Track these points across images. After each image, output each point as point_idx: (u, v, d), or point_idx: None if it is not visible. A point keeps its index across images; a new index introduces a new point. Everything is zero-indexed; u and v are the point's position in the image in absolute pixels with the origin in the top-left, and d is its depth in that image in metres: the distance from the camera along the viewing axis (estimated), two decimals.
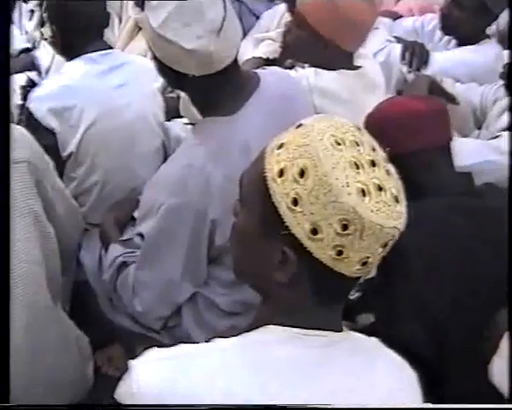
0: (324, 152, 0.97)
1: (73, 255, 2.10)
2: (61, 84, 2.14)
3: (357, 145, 1.00)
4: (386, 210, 0.97)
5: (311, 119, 1.04)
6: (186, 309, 1.80)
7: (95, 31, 2.22)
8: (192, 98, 1.74)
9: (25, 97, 2.73)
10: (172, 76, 1.68)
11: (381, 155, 1.03)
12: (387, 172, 1.02)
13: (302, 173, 0.97)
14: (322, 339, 1.05)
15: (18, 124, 2.58)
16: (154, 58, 1.70)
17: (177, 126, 2.40)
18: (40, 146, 1.81)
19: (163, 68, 1.69)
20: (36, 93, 2.16)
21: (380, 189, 0.98)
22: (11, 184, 1.69)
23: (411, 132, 1.68)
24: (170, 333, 1.83)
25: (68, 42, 2.22)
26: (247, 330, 1.10)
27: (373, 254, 0.99)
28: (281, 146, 1.01)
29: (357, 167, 0.97)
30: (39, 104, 2.10)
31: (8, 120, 1.56)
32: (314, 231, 0.97)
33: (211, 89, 1.66)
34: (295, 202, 0.97)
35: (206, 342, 1.10)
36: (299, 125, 1.03)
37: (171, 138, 2.33)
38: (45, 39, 3.02)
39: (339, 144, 0.98)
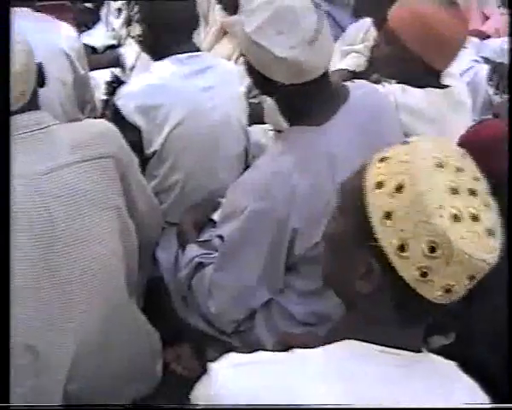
0: (424, 172, 0.98)
1: (150, 252, 2.14)
2: (149, 83, 2.19)
3: (459, 171, 1.00)
4: (478, 241, 0.96)
5: (419, 137, 1.05)
6: (259, 315, 1.81)
7: (184, 32, 2.26)
8: (280, 106, 1.75)
9: (109, 93, 2.81)
10: (262, 82, 1.70)
11: (483, 186, 1.02)
12: (487, 204, 1.01)
13: (399, 189, 0.98)
14: (401, 358, 1.05)
15: (101, 118, 2.67)
16: (246, 63, 1.72)
17: (258, 132, 2.43)
18: (126, 142, 1.86)
19: (254, 73, 1.71)
20: (124, 90, 2.21)
21: (475, 219, 0.97)
22: (96, 177, 1.75)
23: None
24: (240, 337, 1.85)
25: (158, 42, 2.27)
26: (327, 341, 1.10)
27: (458, 283, 0.99)
28: (383, 159, 1.03)
29: (455, 193, 0.97)
30: (127, 101, 2.15)
31: (8, 121, 1.60)
32: (402, 248, 0.97)
33: (300, 98, 1.68)
34: (388, 215, 0.98)
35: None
36: (405, 142, 1.04)
37: (250, 143, 2.36)
38: (132, 37, 3.10)
39: (440, 167, 0.99)
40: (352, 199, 1.05)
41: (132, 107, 2.12)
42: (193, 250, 1.90)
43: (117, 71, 3.16)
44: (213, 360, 1.84)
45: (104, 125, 1.85)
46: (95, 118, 2.66)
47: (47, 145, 1.74)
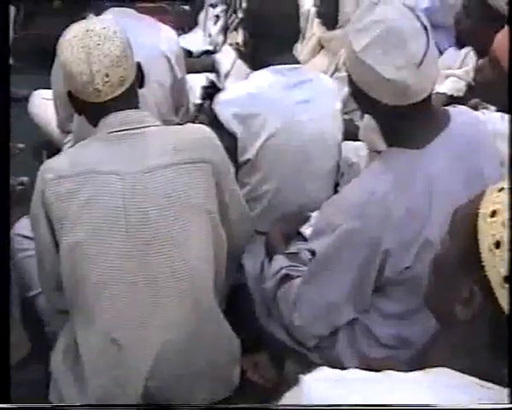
0: None
1: (237, 258, 2.17)
2: (247, 92, 2.22)
3: None
4: None
5: None
6: (342, 333, 1.81)
7: (286, 44, 2.29)
8: (381, 125, 1.75)
9: (204, 97, 2.87)
10: (365, 100, 1.70)
11: None
12: None
13: None
14: (498, 394, 1.04)
15: (193, 122, 2.73)
16: (349, 80, 1.73)
17: (348, 149, 2.44)
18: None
19: (356, 91, 1.72)
20: (222, 96, 2.26)
21: None
22: (193, 181, 1.79)
23: None
24: (320, 353, 1.85)
25: (258, 51, 2.30)
26: (413, 367, 1.10)
27: None
28: (501, 189, 1.03)
29: None
30: (225, 108, 2.19)
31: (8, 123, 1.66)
32: (507, 280, 0.97)
33: (402, 119, 1.67)
34: (498, 244, 0.99)
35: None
36: None
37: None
38: (230, 44, 3.16)
39: None
40: (464, 224, 1.06)
41: (230, 114, 2.17)
42: (280, 261, 1.92)
43: (212, 76, 3.23)
44: (291, 371, 1.86)
45: (204, 130, 1.89)
46: (192, 122, 2.72)
47: (146, 145, 1.79)
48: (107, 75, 1.75)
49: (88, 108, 1.83)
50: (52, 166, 1.80)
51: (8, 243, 1.58)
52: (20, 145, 3.52)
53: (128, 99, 1.81)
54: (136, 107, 1.84)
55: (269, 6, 2.29)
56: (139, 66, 1.86)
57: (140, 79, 1.87)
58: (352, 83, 1.72)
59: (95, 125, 1.84)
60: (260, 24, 2.28)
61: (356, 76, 1.69)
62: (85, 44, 1.75)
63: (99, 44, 1.75)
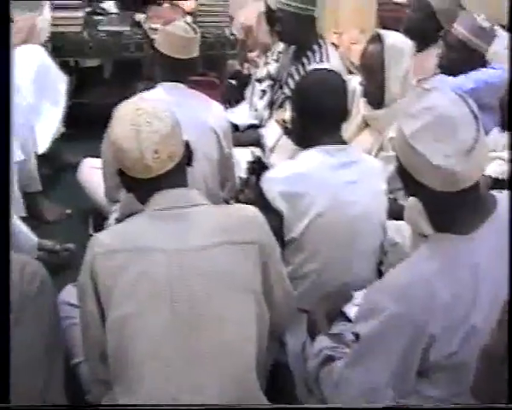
0: None
1: (279, 337, 2.17)
2: (295, 171, 2.27)
3: None
4: None
5: None
6: None
7: (334, 123, 2.33)
8: (428, 210, 1.76)
9: (250, 172, 2.91)
10: (412, 184, 1.72)
11: None
12: None
13: None
14: None
15: (238, 198, 2.77)
16: (398, 163, 1.75)
17: (392, 229, 2.44)
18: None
19: (404, 175, 1.73)
20: (270, 174, 2.30)
21: None
22: (240, 261, 1.81)
23: None
24: None
25: (306, 130, 2.35)
26: None
27: None
28: None
29: None
30: (272, 186, 2.23)
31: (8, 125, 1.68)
32: None
33: (449, 205, 1.69)
34: None
35: None
36: None
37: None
38: (276, 121, 3.22)
39: None
40: None
41: (276, 191, 2.20)
42: (323, 342, 1.92)
43: (257, 151, 3.28)
44: None
45: (252, 211, 1.92)
46: (237, 197, 2.76)
47: (194, 224, 1.83)
48: (156, 151, 1.80)
49: (137, 186, 1.88)
50: (102, 240, 1.85)
51: (8, 243, 1.64)
52: (68, 211, 3.60)
53: (177, 176, 1.86)
54: (185, 184, 1.89)
55: (317, 85, 2.34)
56: (187, 145, 1.91)
57: (188, 157, 1.91)
58: (400, 166, 1.74)
59: (143, 202, 1.88)
60: (308, 103, 2.33)
61: (404, 160, 1.71)
62: (135, 122, 1.81)
63: (148, 122, 1.81)
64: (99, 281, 1.79)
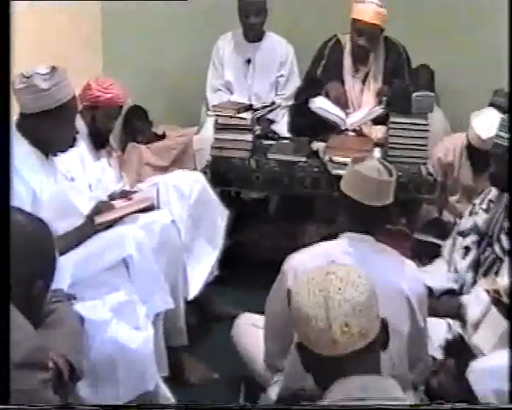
0: None
1: None
2: None
3: None
4: None
5: None
6: None
7: None
8: None
9: (446, 352, 2.88)
10: None
11: None
12: None
13: None
14: None
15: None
16: None
17: None
18: None
19: None
20: (479, 364, 2.29)
21: None
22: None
23: None
24: None
25: None
26: None
27: None
28: None
29: None
30: (482, 380, 2.21)
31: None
32: None
33: None
34: None
35: None
36: None
37: None
38: (486, 291, 3.17)
39: None
40: None
41: (489, 389, 2.18)
42: None
43: (455, 325, 3.24)
44: None
45: None
46: (427, 383, 2.74)
47: None
48: (346, 324, 1.85)
49: (318, 364, 1.93)
50: None
51: (8, 244, 1.84)
52: (215, 375, 3.68)
53: (367, 360, 1.89)
54: (378, 371, 1.91)
55: None
56: (384, 323, 1.94)
57: (384, 338, 1.94)
58: None
59: (322, 386, 1.91)
60: None
61: None
62: (324, 288, 1.89)
63: (340, 289, 1.87)
64: None
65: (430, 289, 3.59)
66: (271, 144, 4.82)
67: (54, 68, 3.18)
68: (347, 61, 5.19)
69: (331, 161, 4.41)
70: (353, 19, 5.01)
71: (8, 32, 2.04)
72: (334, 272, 1.90)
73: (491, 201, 3.73)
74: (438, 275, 3.76)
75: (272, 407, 1.93)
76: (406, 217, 4.50)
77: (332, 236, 2.99)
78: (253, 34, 5.44)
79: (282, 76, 5.50)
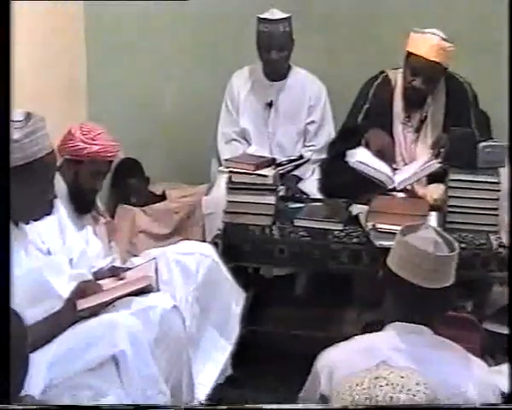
0: None
1: None
2: None
3: None
4: None
5: None
6: None
7: None
8: None
9: None
10: None
11: None
12: None
13: None
14: None
15: None
16: None
17: None
18: None
19: None
20: None
21: None
22: None
23: None
24: None
25: None
26: None
27: None
28: None
29: None
30: None
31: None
32: None
33: None
34: None
35: None
36: None
37: None
38: None
39: None
40: None
41: None
42: None
43: None
44: None
45: None
46: None
47: None
48: None
49: None
50: None
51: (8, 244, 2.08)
52: None
53: None
54: None
55: None
56: None
57: None
58: None
59: None
60: None
61: None
62: (371, 395, 1.86)
63: (392, 398, 1.85)
64: None
65: (504, 395, 3.56)
66: (299, 208, 4.81)
67: (29, 115, 3.12)
68: (397, 105, 5.09)
69: (375, 229, 4.37)
70: (408, 52, 4.88)
71: (9, 32, 2.24)
72: (384, 377, 1.88)
73: None
74: None
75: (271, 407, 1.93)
76: (472, 302, 4.47)
77: (376, 325, 2.97)
78: (276, 71, 5.41)
79: (312, 123, 5.48)
